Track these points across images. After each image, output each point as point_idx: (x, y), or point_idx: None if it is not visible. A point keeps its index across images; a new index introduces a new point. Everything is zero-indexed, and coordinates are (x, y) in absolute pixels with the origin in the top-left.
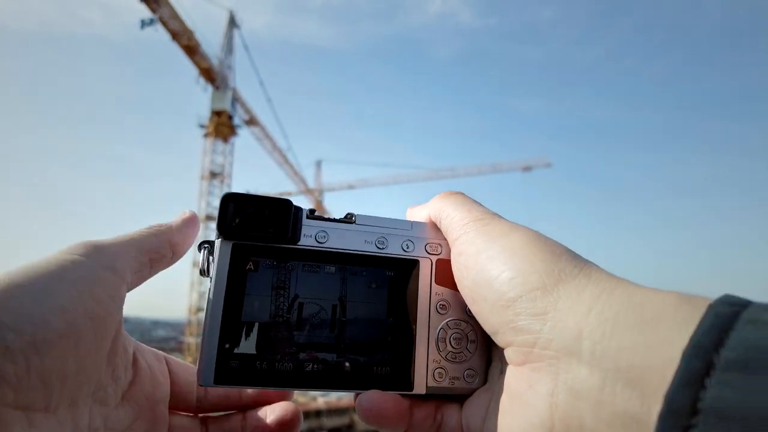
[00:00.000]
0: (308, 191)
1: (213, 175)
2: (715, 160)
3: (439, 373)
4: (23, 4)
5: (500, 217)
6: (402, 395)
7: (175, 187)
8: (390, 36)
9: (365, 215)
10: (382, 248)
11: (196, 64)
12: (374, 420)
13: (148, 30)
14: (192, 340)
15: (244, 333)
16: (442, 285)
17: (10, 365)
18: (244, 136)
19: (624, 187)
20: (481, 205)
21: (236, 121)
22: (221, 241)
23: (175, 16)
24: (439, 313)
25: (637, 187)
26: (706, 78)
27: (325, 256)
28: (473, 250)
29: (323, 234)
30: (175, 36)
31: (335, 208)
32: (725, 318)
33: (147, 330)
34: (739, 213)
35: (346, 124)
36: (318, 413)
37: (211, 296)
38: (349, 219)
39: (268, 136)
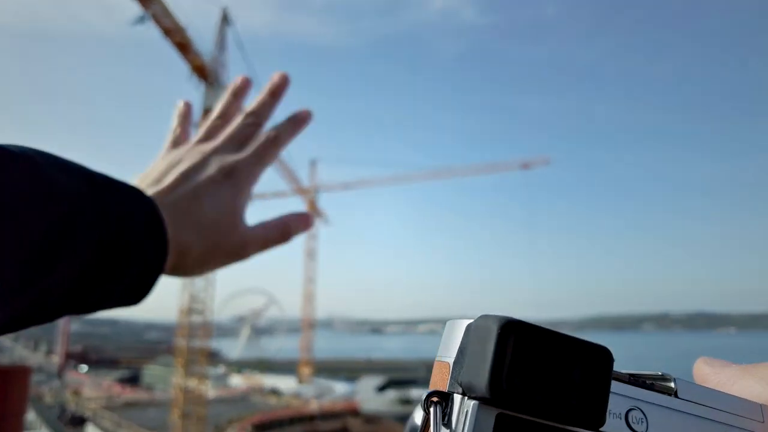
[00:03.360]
0: (302, 191)
1: None
2: (719, 159)
3: None
4: (17, 1)
5: None
6: None
7: None
8: (391, 34)
9: (688, 381)
10: None
11: (189, 61)
12: None
13: (141, 27)
14: (183, 343)
15: None
16: None
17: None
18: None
19: (624, 183)
20: None
21: None
22: (478, 405)
23: (167, 13)
24: None
25: (637, 184)
26: (709, 77)
27: None
28: None
29: (639, 416)
30: (168, 33)
31: (331, 208)
32: None
33: (139, 332)
34: (743, 212)
35: (343, 123)
36: (312, 417)
37: None
38: (666, 386)
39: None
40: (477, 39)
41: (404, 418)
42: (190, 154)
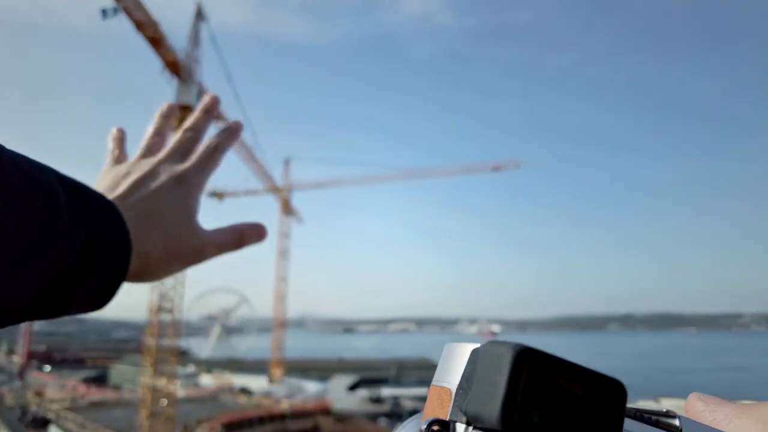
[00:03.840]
0: (275, 189)
1: None
2: (683, 163)
3: None
4: None
5: None
6: None
7: None
8: (367, 34)
9: (691, 420)
10: None
11: (162, 56)
12: None
13: (113, 20)
14: (152, 342)
15: None
16: None
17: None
18: (210, 132)
19: (592, 188)
20: None
21: None
22: None
23: (140, 6)
24: None
25: (605, 188)
26: (676, 82)
27: None
28: None
29: None
30: (140, 27)
31: (304, 207)
32: None
33: (106, 331)
34: (705, 216)
35: (317, 122)
36: (282, 417)
37: None
38: (671, 423)
39: None
40: (452, 42)
41: (375, 416)
42: (137, 167)
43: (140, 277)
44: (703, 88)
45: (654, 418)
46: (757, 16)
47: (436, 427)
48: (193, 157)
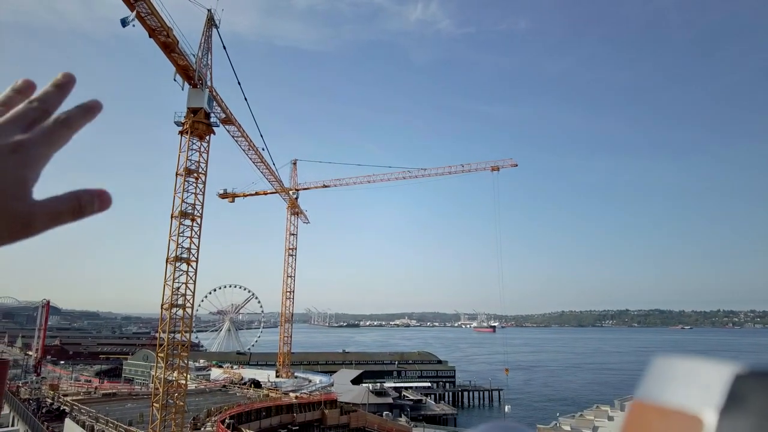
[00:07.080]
0: (284, 190)
1: (189, 171)
2: (685, 165)
3: None
4: None
5: None
6: None
7: (151, 182)
8: (371, 41)
9: None
10: None
11: (174, 61)
12: None
13: (129, 27)
14: (164, 336)
15: None
16: None
17: None
18: (221, 135)
19: (591, 186)
20: None
21: (213, 119)
22: None
23: (154, 11)
24: None
25: (604, 188)
26: (670, 88)
27: None
28: None
29: None
30: (153, 32)
31: (311, 207)
32: None
33: (118, 326)
34: (699, 218)
35: (323, 125)
36: (290, 408)
37: None
38: None
39: (244, 135)
40: (453, 49)
41: (379, 408)
42: None
43: None
44: (700, 93)
45: None
46: (750, 24)
47: None
48: (38, 130)
